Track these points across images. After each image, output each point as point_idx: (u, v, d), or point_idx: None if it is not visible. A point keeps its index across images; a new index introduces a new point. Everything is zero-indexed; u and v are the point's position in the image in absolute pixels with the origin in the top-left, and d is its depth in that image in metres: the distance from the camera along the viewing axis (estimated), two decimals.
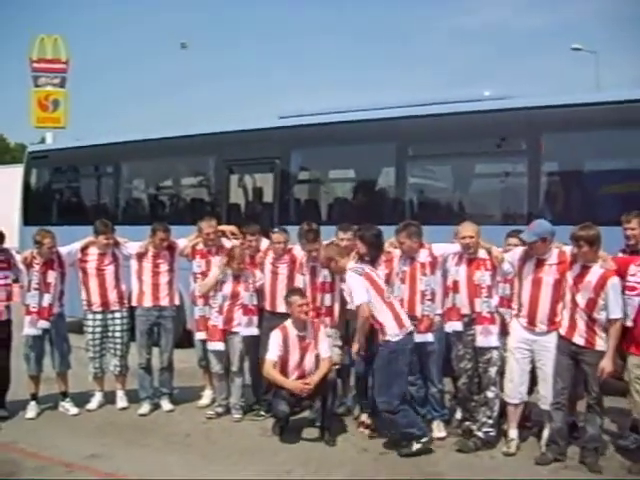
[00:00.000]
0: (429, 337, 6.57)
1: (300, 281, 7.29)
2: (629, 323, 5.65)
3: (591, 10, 55.05)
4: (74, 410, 7.54)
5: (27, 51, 23.33)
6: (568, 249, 5.99)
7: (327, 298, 7.15)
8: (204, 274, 7.65)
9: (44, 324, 7.41)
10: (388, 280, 6.81)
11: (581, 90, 18.41)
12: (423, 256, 6.69)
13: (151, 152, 11.68)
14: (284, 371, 6.74)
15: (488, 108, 8.68)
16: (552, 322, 6.03)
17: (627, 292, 5.71)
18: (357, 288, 6.27)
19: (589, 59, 30.67)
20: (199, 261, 7.75)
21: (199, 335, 7.63)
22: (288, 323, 6.83)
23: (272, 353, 6.75)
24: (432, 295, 6.62)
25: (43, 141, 23.86)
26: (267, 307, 7.48)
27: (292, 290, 7.05)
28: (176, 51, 33.23)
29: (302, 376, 6.73)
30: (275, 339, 6.79)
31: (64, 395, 7.67)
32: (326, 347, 6.77)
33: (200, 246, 7.78)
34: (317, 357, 6.74)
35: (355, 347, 6.39)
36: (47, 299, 7.41)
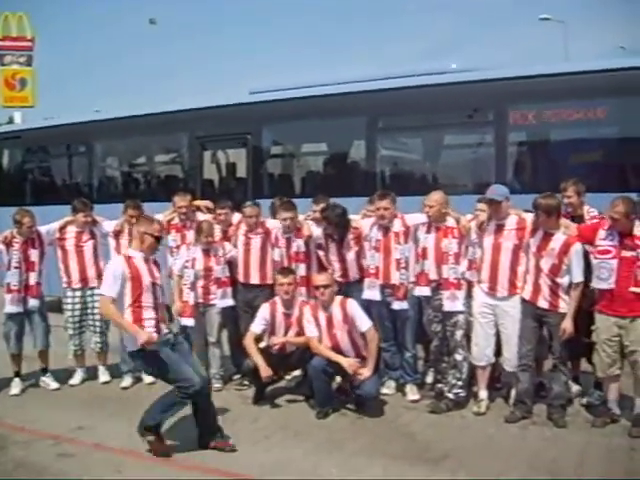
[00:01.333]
0: (405, 304, 6.83)
1: (276, 254, 7.45)
2: (608, 285, 5.84)
3: None
4: (54, 385, 7.68)
5: None
6: (529, 216, 6.23)
7: (302, 268, 7.33)
8: (179, 248, 7.82)
9: (35, 302, 7.55)
10: (359, 256, 7.07)
11: (550, 61, 18.62)
12: (397, 225, 6.91)
13: (124, 130, 11.71)
14: (271, 344, 6.94)
15: (455, 80, 8.85)
16: (512, 286, 6.30)
17: (600, 256, 5.91)
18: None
19: (557, 29, 30.78)
20: (174, 235, 7.92)
21: (185, 321, 7.73)
22: (277, 299, 7.00)
23: (256, 326, 6.94)
24: (406, 263, 6.85)
25: (11, 121, 23.65)
26: (240, 279, 7.63)
27: (281, 268, 7.20)
28: (146, 26, 32.75)
29: (283, 351, 6.92)
30: (262, 313, 6.97)
31: (44, 371, 7.80)
32: (363, 319, 6.62)
33: (175, 220, 7.92)
34: (298, 333, 6.88)
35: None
36: (33, 277, 7.53)
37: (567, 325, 6.00)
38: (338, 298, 6.72)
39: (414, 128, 9.71)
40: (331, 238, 7.21)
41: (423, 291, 6.78)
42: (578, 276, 6.01)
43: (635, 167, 7.83)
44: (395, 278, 6.87)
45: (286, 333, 6.94)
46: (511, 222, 6.33)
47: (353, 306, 6.68)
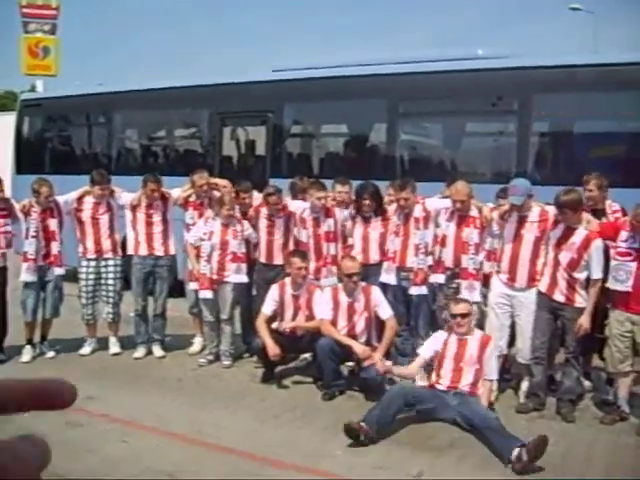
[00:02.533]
0: (424, 289, 6.86)
1: (303, 235, 7.45)
2: (625, 288, 5.77)
3: None
4: (51, 353, 7.76)
5: None
6: (550, 208, 6.17)
7: (332, 247, 7.35)
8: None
9: (60, 271, 7.65)
10: (384, 239, 7.09)
11: (578, 51, 18.41)
12: (418, 211, 6.93)
13: (145, 102, 11.67)
14: (281, 315, 6.97)
15: (480, 67, 8.73)
16: (532, 278, 6.26)
17: (620, 258, 5.83)
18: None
19: (587, 20, 30.44)
20: (192, 212, 7.90)
21: (192, 285, 7.79)
22: (287, 281, 6.99)
23: (267, 307, 6.96)
24: (425, 248, 6.84)
25: (33, 89, 23.66)
26: (263, 260, 7.65)
27: (294, 251, 7.20)
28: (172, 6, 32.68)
29: (293, 333, 6.90)
30: (272, 294, 6.97)
31: (43, 339, 7.87)
32: (386, 307, 6.65)
33: (193, 198, 7.91)
34: (308, 317, 6.88)
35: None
36: (55, 247, 7.61)
37: (584, 321, 5.95)
38: (362, 284, 6.70)
39: (436, 113, 9.62)
40: (360, 218, 7.26)
41: (438, 278, 6.78)
42: (597, 272, 5.95)
43: None
44: (412, 262, 6.86)
45: (295, 315, 6.94)
46: (534, 214, 6.27)
47: (377, 294, 6.68)
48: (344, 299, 6.68)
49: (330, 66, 10.07)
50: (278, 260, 7.53)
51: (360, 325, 6.66)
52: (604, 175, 6.60)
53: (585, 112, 8.38)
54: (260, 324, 6.91)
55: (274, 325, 7.03)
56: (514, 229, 6.33)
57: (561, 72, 8.25)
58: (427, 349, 6.16)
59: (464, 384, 5.85)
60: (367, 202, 7.19)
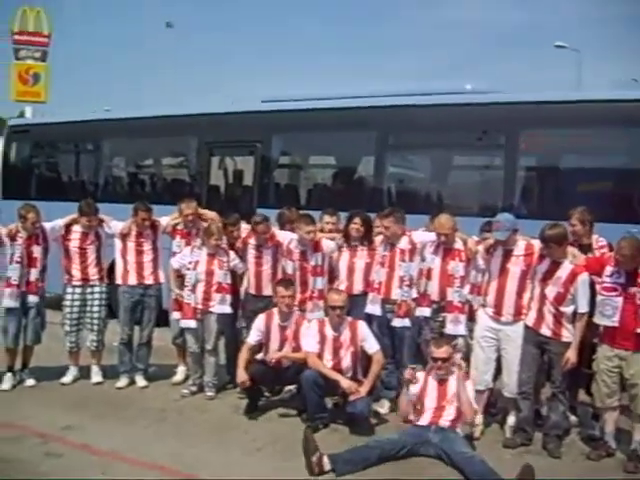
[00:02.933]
0: (407, 322, 6.82)
1: (289, 267, 7.39)
2: (611, 323, 5.76)
3: (576, 9, 55.56)
4: (31, 382, 7.62)
5: (8, 23, 22.99)
6: (536, 242, 6.18)
7: (319, 281, 7.29)
8: None
9: (34, 299, 7.53)
10: (369, 269, 7.10)
11: (563, 88, 18.62)
12: (404, 243, 6.92)
13: (133, 131, 11.67)
14: (266, 347, 6.90)
15: (468, 101, 8.82)
16: (518, 312, 6.26)
17: (606, 293, 5.83)
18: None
19: (572, 57, 30.85)
20: (179, 241, 7.86)
21: (175, 315, 7.72)
22: (275, 311, 6.94)
23: (252, 337, 6.92)
24: (410, 281, 6.82)
25: (22, 115, 23.65)
26: (252, 290, 7.59)
27: (279, 280, 7.17)
28: (162, 31, 32.94)
29: (279, 365, 6.83)
30: (257, 324, 6.92)
31: (24, 366, 7.74)
32: (372, 342, 6.60)
33: (180, 226, 7.87)
34: (294, 349, 6.81)
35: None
36: (34, 274, 7.51)
37: (571, 355, 5.94)
38: (348, 319, 6.67)
39: (424, 146, 9.67)
40: (349, 240, 7.28)
41: (424, 311, 6.75)
42: (583, 306, 5.95)
43: None
44: (396, 294, 6.84)
45: (281, 346, 6.87)
46: (519, 248, 6.28)
47: (363, 328, 6.65)
48: (330, 333, 6.63)
49: (319, 98, 10.13)
50: (267, 291, 7.47)
51: (346, 360, 6.61)
52: (590, 210, 6.63)
53: (570, 147, 8.45)
54: (241, 353, 6.86)
55: (259, 356, 6.96)
56: (500, 263, 6.33)
57: (547, 108, 8.33)
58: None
59: (445, 419, 5.86)
60: (357, 227, 7.18)
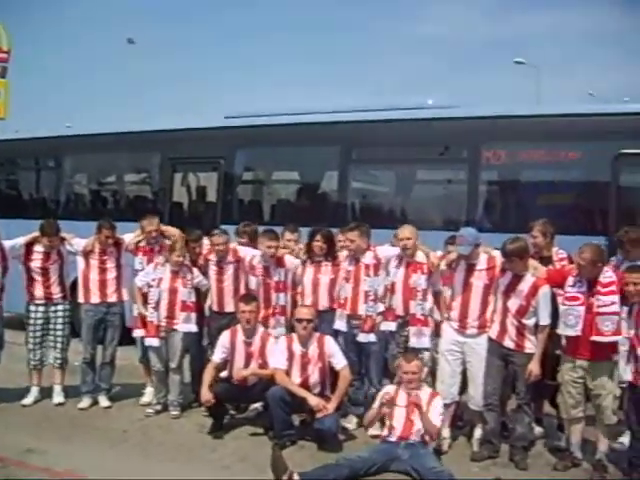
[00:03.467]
0: (372, 337, 6.79)
1: (253, 282, 7.35)
2: (575, 332, 5.79)
3: (532, 26, 56.65)
4: None
5: None
6: (497, 254, 6.24)
7: (281, 297, 7.25)
8: None
9: None
10: (334, 285, 7.08)
11: (522, 103, 18.92)
12: (368, 258, 6.91)
13: (95, 147, 11.55)
14: (231, 374, 6.81)
15: (431, 116, 8.90)
16: (482, 325, 6.30)
17: (568, 302, 5.88)
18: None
19: (531, 73, 31.38)
20: (141, 258, 7.76)
21: (138, 332, 7.62)
22: (239, 327, 6.88)
23: (217, 354, 6.87)
24: (375, 296, 6.82)
25: None
26: (215, 308, 7.53)
27: (241, 295, 7.11)
28: (124, 48, 32.68)
29: (244, 382, 6.77)
30: (222, 341, 6.86)
31: None
32: (340, 357, 6.56)
33: (143, 243, 7.79)
34: (261, 366, 6.75)
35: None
36: None
37: (534, 367, 5.98)
38: (316, 335, 6.65)
39: (387, 161, 9.72)
40: (313, 256, 7.25)
41: (390, 326, 6.78)
42: (545, 319, 6.01)
43: (603, 212, 7.89)
44: (362, 310, 6.83)
45: (246, 362, 6.80)
46: (482, 262, 6.33)
47: (331, 343, 6.62)
48: (298, 348, 6.59)
49: (282, 113, 10.14)
50: (230, 307, 7.39)
51: (314, 376, 6.57)
52: (551, 222, 6.72)
53: (532, 161, 8.54)
54: (206, 371, 6.80)
55: (224, 373, 6.89)
56: (463, 277, 6.38)
57: (509, 122, 8.45)
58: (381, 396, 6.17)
59: (415, 434, 5.84)
60: (319, 244, 7.15)
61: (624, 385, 5.77)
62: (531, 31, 50.82)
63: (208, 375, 6.75)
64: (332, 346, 6.61)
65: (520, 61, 30.09)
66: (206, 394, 6.60)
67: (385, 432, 5.98)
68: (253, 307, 6.84)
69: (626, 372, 5.65)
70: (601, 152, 7.88)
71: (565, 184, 8.45)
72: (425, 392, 6.08)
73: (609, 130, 7.85)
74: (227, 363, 6.89)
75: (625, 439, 6.04)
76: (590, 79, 45.50)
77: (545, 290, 6.03)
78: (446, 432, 6.38)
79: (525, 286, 6.05)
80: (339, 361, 6.54)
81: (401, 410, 5.95)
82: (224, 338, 6.87)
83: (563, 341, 6.05)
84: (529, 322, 6.04)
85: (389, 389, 6.20)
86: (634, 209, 7.84)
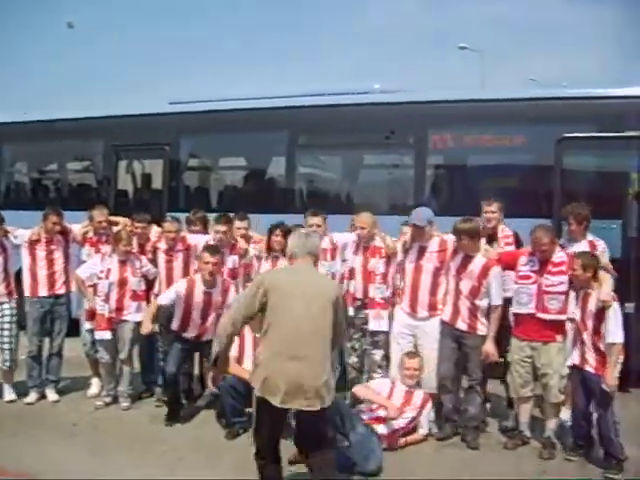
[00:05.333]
0: None
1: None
2: (528, 310, 5.93)
3: (478, 12, 57.11)
4: None
5: None
6: (450, 238, 6.31)
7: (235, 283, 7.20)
8: None
9: None
10: None
11: (467, 88, 19.09)
12: (325, 243, 6.91)
13: (35, 135, 11.26)
14: (185, 324, 6.76)
15: (377, 101, 8.92)
16: (433, 307, 6.40)
17: (521, 281, 6.01)
18: None
19: (474, 57, 31.63)
20: (88, 249, 7.63)
21: (87, 325, 7.48)
22: (197, 277, 6.81)
23: (164, 298, 6.86)
24: (333, 279, 6.79)
25: None
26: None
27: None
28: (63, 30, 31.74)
29: (203, 334, 6.76)
30: (177, 287, 6.83)
31: None
32: None
33: (90, 234, 7.63)
34: (219, 317, 6.64)
35: None
36: None
37: (489, 348, 6.10)
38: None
39: (334, 146, 9.71)
40: (267, 256, 7.27)
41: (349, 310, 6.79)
42: (497, 299, 6.12)
43: (548, 194, 8.03)
44: None
45: (204, 313, 6.72)
46: (433, 244, 6.41)
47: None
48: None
49: (227, 99, 10.03)
50: None
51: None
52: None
53: (478, 145, 8.63)
54: (150, 305, 6.97)
55: (174, 325, 6.83)
56: (414, 259, 6.45)
57: (455, 107, 8.52)
58: (377, 387, 6.32)
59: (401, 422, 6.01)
60: (278, 239, 7.10)
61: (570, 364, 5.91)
62: (473, 19, 51.19)
63: (150, 310, 6.84)
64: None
65: (464, 46, 30.33)
66: (147, 324, 6.68)
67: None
68: (217, 259, 6.74)
69: (572, 355, 5.80)
70: (545, 136, 8.01)
71: (510, 167, 8.55)
72: (418, 395, 6.22)
73: (553, 114, 8.00)
74: (184, 314, 6.79)
75: (565, 414, 6.20)
76: (531, 65, 46.28)
77: (496, 270, 6.13)
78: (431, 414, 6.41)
79: (476, 267, 6.15)
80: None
81: (397, 400, 6.14)
82: (180, 285, 6.81)
83: (510, 320, 6.18)
84: (482, 303, 6.15)
85: (385, 382, 6.35)
86: (577, 191, 7.99)
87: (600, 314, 5.56)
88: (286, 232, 7.15)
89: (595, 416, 5.71)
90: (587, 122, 7.85)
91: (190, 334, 6.79)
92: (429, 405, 6.24)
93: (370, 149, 9.54)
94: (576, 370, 5.77)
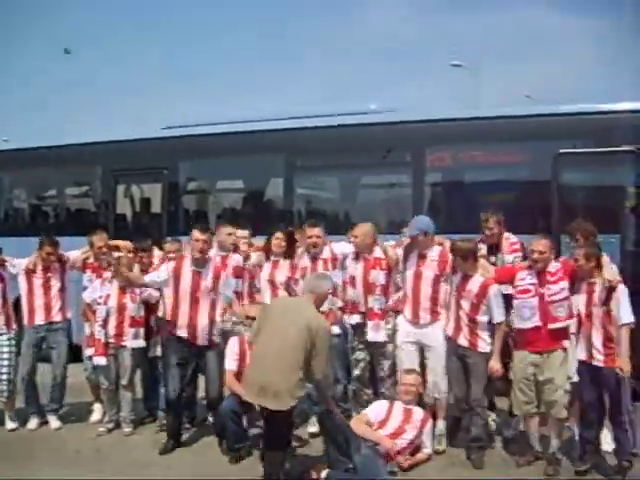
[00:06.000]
0: (335, 329, 6.77)
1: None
2: (532, 324, 5.92)
3: (469, 28, 57.56)
4: None
5: None
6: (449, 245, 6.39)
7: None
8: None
9: None
10: (288, 283, 7.13)
11: (461, 105, 19.24)
12: (325, 253, 6.97)
13: (34, 161, 11.30)
14: (175, 312, 6.63)
15: (374, 121, 8.97)
16: (433, 312, 6.44)
17: (521, 295, 6.02)
18: None
19: (467, 75, 31.72)
20: (89, 275, 7.60)
21: (88, 351, 7.44)
22: (187, 255, 6.76)
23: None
24: (334, 289, 6.78)
25: None
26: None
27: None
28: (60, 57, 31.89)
29: (195, 316, 6.60)
30: (167, 266, 6.77)
31: None
32: None
33: (91, 259, 7.63)
34: (213, 303, 6.65)
35: None
36: None
37: (494, 364, 6.11)
38: None
39: (332, 167, 9.74)
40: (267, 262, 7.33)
41: (352, 319, 6.87)
42: (498, 316, 6.14)
43: (545, 210, 8.04)
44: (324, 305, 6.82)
45: (193, 291, 6.58)
46: (434, 252, 6.47)
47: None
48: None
49: (222, 122, 10.08)
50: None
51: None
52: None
53: (476, 163, 8.67)
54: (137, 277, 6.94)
55: (160, 313, 6.89)
56: (414, 267, 6.51)
57: (451, 125, 8.57)
58: (372, 412, 6.28)
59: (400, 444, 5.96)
60: (278, 241, 7.21)
61: (574, 380, 5.90)
62: (465, 36, 51.52)
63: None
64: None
65: (457, 64, 30.36)
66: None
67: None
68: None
69: (580, 352, 5.80)
70: (541, 152, 8.05)
71: (508, 184, 8.58)
72: (418, 412, 6.21)
73: (549, 130, 8.05)
74: (173, 298, 6.68)
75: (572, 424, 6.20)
76: (526, 81, 46.49)
77: (494, 289, 6.16)
78: (442, 427, 6.43)
79: (474, 287, 6.18)
80: None
81: (396, 418, 6.14)
82: (169, 265, 6.76)
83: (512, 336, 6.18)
84: (482, 319, 6.16)
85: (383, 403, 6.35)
86: (575, 206, 8.01)
87: (608, 300, 5.60)
88: (287, 235, 7.23)
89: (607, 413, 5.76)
90: (583, 137, 7.91)
91: (182, 329, 6.60)
92: (429, 424, 6.22)
93: (367, 169, 9.56)
94: (584, 366, 5.77)
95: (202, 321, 6.62)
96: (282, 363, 5.20)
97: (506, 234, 6.90)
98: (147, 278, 6.83)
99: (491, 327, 6.21)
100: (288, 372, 5.20)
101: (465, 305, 6.20)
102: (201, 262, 6.66)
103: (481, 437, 6.23)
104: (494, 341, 6.15)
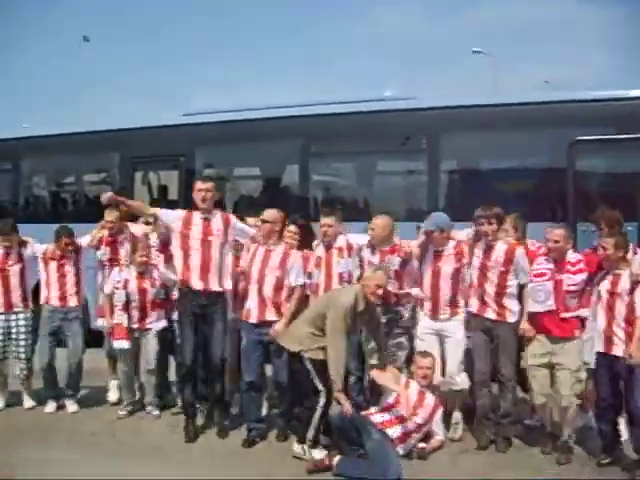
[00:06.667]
0: None
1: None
2: (547, 307, 5.95)
3: (489, 14, 57.10)
4: None
5: None
6: (464, 235, 6.41)
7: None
8: (111, 261, 7.62)
9: None
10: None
11: (480, 92, 19.09)
12: (340, 241, 6.91)
13: (53, 148, 11.39)
14: (186, 254, 6.57)
15: (389, 108, 8.94)
16: (454, 308, 6.42)
17: (536, 279, 6.04)
18: None
19: (488, 62, 31.54)
20: (104, 249, 7.67)
21: (100, 321, 7.56)
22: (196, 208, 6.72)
23: (164, 211, 6.92)
24: (349, 277, 6.81)
25: None
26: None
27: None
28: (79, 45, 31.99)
29: (207, 260, 6.52)
30: (177, 211, 6.85)
31: None
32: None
33: (105, 234, 7.71)
34: (224, 246, 6.60)
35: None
36: None
37: (525, 325, 6.09)
38: None
39: (347, 154, 9.74)
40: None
41: None
42: (525, 277, 6.14)
43: (561, 198, 8.01)
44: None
45: (204, 238, 6.52)
46: (449, 247, 6.44)
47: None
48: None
49: (240, 109, 10.10)
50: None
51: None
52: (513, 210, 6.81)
53: (491, 149, 8.64)
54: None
55: (177, 266, 6.70)
56: (431, 264, 6.48)
57: (467, 111, 8.54)
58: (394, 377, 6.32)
59: (413, 422, 6.00)
60: (291, 234, 6.94)
61: (590, 366, 5.87)
62: (485, 22, 51.15)
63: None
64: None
65: (478, 50, 30.25)
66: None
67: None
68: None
69: (598, 343, 5.75)
70: (558, 139, 8.00)
71: (524, 171, 8.54)
72: (430, 398, 6.21)
73: (566, 117, 7.99)
74: (182, 242, 6.62)
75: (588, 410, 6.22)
76: (545, 67, 46.07)
77: (520, 251, 6.18)
78: (458, 416, 6.46)
79: (500, 253, 6.17)
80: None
81: (412, 399, 6.12)
82: (179, 211, 6.84)
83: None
84: (512, 283, 6.15)
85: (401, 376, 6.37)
86: (591, 194, 7.97)
87: (632, 291, 5.57)
88: (302, 226, 7.17)
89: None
90: (600, 124, 7.85)
91: (195, 275, 6.51)
92: (439, 412, 6.21)
93: (384, 156, 9.54)
94: (601, 357, 5.74)
95: (214, 264, 6.54)
96: (303, 317, 6.19)
97: (530, 241, 6.69)
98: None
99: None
100: (301, 324, 6.06)
101: (492, 276, 6.18)
102: (207, 210, 6.65)
103: (510, 412, 6.23)
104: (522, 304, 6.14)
